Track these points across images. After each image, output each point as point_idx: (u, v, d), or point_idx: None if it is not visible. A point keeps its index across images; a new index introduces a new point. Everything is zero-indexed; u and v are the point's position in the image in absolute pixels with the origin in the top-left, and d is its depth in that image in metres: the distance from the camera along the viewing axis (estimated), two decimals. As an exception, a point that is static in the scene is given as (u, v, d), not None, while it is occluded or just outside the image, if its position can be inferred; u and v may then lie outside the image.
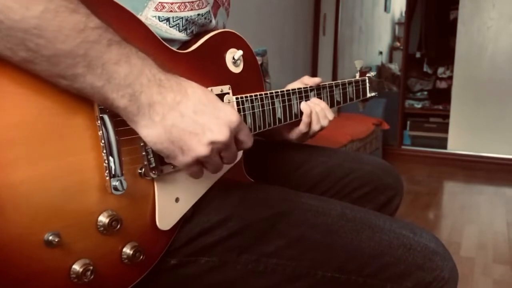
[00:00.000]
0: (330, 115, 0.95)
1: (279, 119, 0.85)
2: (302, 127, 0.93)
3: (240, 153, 0.77)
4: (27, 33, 0.46)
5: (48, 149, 0.50)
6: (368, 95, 1.10)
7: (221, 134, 0.56)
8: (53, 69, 0.49)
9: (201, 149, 0.55)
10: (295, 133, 0.95)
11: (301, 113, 0.91)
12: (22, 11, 0.45)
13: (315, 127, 0.93)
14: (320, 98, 0.95)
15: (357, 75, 1.09)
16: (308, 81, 0.96)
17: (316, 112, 0.93)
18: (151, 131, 0.54)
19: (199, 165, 0.58)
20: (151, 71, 0.54)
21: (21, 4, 0.45)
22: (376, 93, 1.11)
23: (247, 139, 0.61)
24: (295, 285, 0.67)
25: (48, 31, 0.46)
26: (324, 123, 0.94)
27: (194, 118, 0.55)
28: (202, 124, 0.55)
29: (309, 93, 0.93)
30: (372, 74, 1.10)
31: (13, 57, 0.47)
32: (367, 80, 1.09)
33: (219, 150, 0.58)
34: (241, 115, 0.76)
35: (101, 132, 0.54)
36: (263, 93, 0.81)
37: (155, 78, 0.54)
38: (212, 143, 0.56)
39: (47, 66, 0.48)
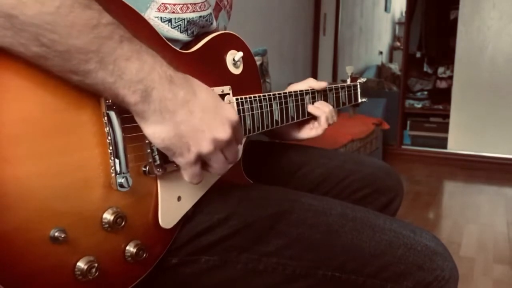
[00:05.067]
0: (335, 116, 0.99)
1: (277, 121, 0.86)
2: (320, 131, 0.97)
3: (239, 154, 0.77)
4: (40, 28, 0.46)
5: (54, 145, 0.51)
6: (359, 100, 1.11)
7: (224, 132, 0.58)
8: (65, 65, 0.49)
9: (206, 145, 0.57)
10: (307, 135, 0.98)
11: (297, 115, 0.92)
12: (37, 7, 0.45)
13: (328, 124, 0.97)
14: (315, 101, 0.97)
15: (348, 80, 1.11)
16: (314, 84, 0.97)
17: (329, 117, 0.96)
18: (160, 127, 0.55)
19: (200, 165, 0.59)
20: (162, 68, 0.54)
21: (37, 0, 0.45)
22: (367, 98, 1.13)
23: (240, 139, 0.64)
24: (295, 284, 0.68)
25: (62, 26, 0.46)
26: (335, 120, 0.99)
27: (201, 116, 0.57)
28: (208, 122, 0.57)
29: (304, 96, 0.93)
30: (362, 80, 1.13)
31: (25, 52, 0.47)
32: (358, 86, 1.10)
33: (221, 147, 0.59)
34: (240, 116, 0.77)
35: (107, 128, 0.55)
36: (261, 94, 0.82)
37: (166, 75, 0.54)
38: (216, 140, 0.58)
39: (59, 61, 0.48)
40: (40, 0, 0.45)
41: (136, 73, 0.52)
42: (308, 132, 0.98)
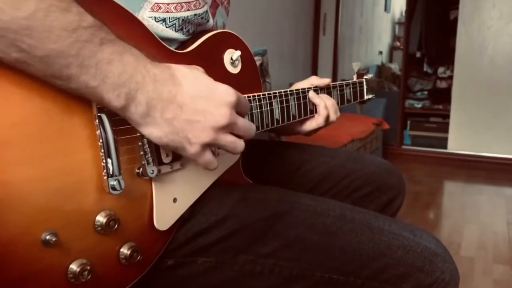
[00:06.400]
0: (338, 112, 0.96)
1: (277, 120, 0.85)
2: (320, 121, 0.93)
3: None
4: (18, 34, 0.45)
5: (46, 149, 0.50)
6: (366, 97, 1.09)
7: (222, 116, 0.56)
8: (46, 70, 0.48)
9: (206, 134, 0.56)
10: (309, 127, 0.94)
11: (299, 114, 0.91)
12: (12, 12, 0.44)
13: (333, 117, 0.94)
14: None
15: (355, 77, 1.09)
16: (316, 81, 0.96)
17: (329, 105, 0.93)
18: (153, 128, 0.54)
19: (210, 152, 0.58)
20: (146, 67, 0.54)
21: (11, 5, 0.44)
22: (374, 95, 1.11)
23: (245, 111, 0.62)
24: (292, 286, 0.67)
25: (39, 31, 0.46)
26: (338, 115, 0.95)
27: (192, 106, 0.55)
28: (201, 110, 0.56)
29: (307, 94, 0.92)
30: (369, 76, 1.10)
31: (7, 58, 0.47)
32: (364, 82, 1.08)
33: (226, 130, 0.58)
34: None
35: (99, 131, 0.54)
36: (261, 94, 0.81)
37: (150, 74, 0.54)
38: (215, 126, 0.56)
39: (40, 66, 0.48)
40: (15, 5, 0.44)
41: (118, 76, 0.51)
42: (309, 124, 0.94)
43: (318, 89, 0.95)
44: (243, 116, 0.61)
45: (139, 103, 0.53)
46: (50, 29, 0.46)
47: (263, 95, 0.81)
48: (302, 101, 0.91)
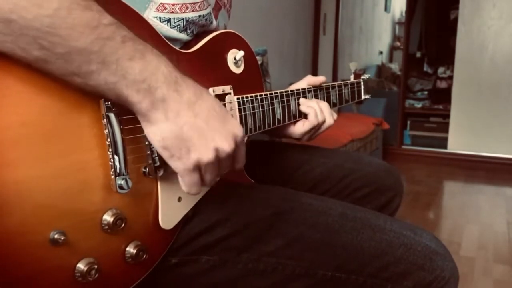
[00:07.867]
0: (334, 114, 0.96)
1: (278, 120, 0.86)
2: (313, 121, 0.91)
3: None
4: (40, 31, 0.45)
5: (53, 148, 0.51)
6: (363, 97, 1.11)
7: (228, 144, 0.57)
8: (67, 67, 0.48)
9: (207, 153, 0.55)
10: (301, 129, 0.93)
11: (300, 114, 0.92)
12: (35, 10, 0.45)
13: (330, 120, 0.93)
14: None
15: (352, 77, 1.10)
16: (311, 81, 0.97)
17: (324, 107, 0.92)
18: (162, 126, 0.54)
19: (198, 175, 0.57)
20: (167, 68, 0.54)
21: (34, 3, 0.45)
22: (370, 95, 1.12)
23: (242, 159, 0.61)
24: (295, 284, 0.68)
25: (62, 28, 0.46)
26: (335, 117, 0.94)
27: (206, 122, 0.56)
28: (212, 130, 0.56)
29: (307, 94, 0.93)
30: (366, 76, 1.12)
31: (27, 57, 0.47)
32: (361, 82, 1.10)
33: (220, 160, 0.58)
34: (242, 115, 0.77)
35: (107, 130, 0.54)
36: (263, 93, 0.82)
37: (172, 75, 0.54)
38: (217, 150, 0.56)
39: (61, 64, 0.48)
40: (38, 3, 0.45)
41: (139, 72, 0.51)
42: (300, 127, 0.93)
43: (317, 90, 0.96)
44: (236, 162, 0.61)
45: (156, 101, 0.53)
46: (72, 26, 0.47)
47: (265, 95, 0.82)
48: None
